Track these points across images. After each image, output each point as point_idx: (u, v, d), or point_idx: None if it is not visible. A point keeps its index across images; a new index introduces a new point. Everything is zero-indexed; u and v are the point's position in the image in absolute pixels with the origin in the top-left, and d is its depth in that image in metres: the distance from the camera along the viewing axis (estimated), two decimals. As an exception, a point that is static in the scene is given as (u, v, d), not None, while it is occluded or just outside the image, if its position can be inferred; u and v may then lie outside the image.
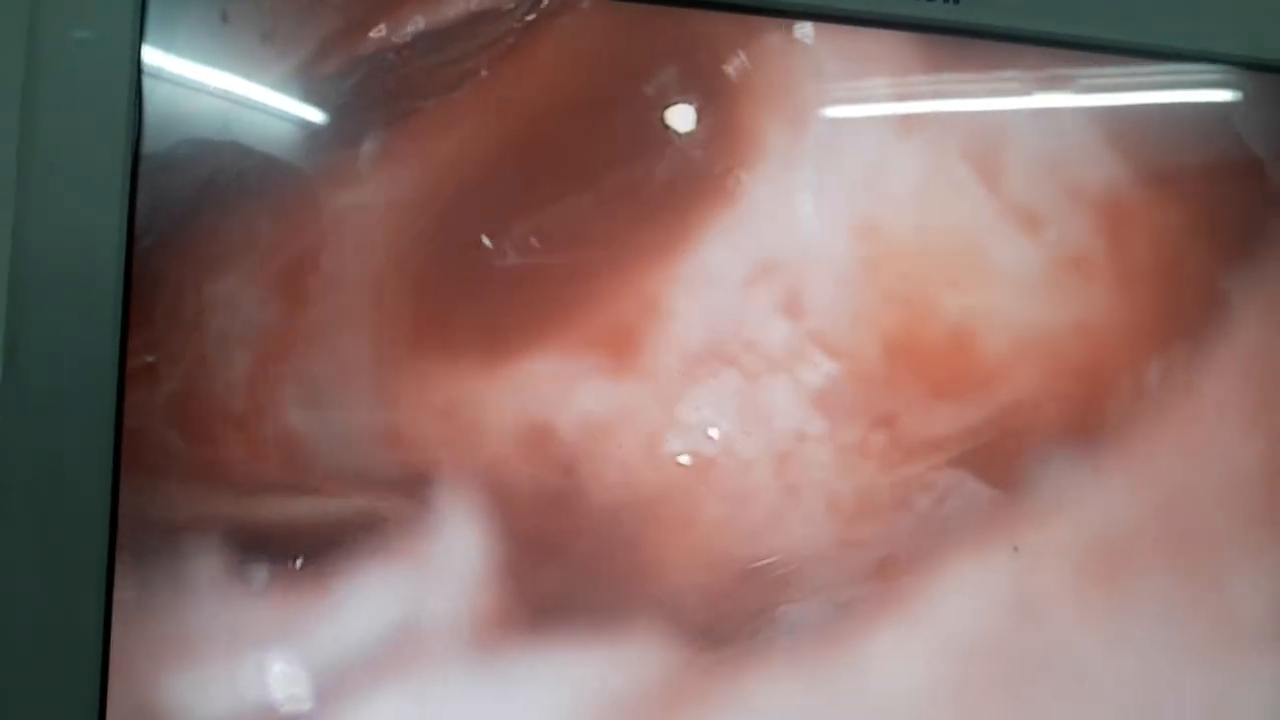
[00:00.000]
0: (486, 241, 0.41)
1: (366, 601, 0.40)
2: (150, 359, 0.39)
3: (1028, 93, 0.46)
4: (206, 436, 0.39)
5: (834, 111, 0.44)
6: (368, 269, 0.40)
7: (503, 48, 0.41)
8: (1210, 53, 0.47)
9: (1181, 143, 0.47)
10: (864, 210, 0.44)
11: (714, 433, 0.42)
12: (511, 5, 0.41)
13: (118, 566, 0.38)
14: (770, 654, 0.42)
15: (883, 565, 0.43)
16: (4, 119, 0.39)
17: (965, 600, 0.44)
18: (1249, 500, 0.47)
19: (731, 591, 0.42)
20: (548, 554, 0.41)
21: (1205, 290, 0.47)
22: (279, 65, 0.40)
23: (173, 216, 0.39)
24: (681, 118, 0.43)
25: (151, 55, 0.39)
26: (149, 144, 0.39)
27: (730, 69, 0.43)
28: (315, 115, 0.40)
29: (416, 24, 0.41)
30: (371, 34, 0.40)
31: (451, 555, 0.40)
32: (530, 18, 0.42)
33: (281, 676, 0.39)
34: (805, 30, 0.44)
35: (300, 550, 0.39)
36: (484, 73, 0.41)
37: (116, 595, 0.38)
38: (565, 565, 0.41)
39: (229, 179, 0.39)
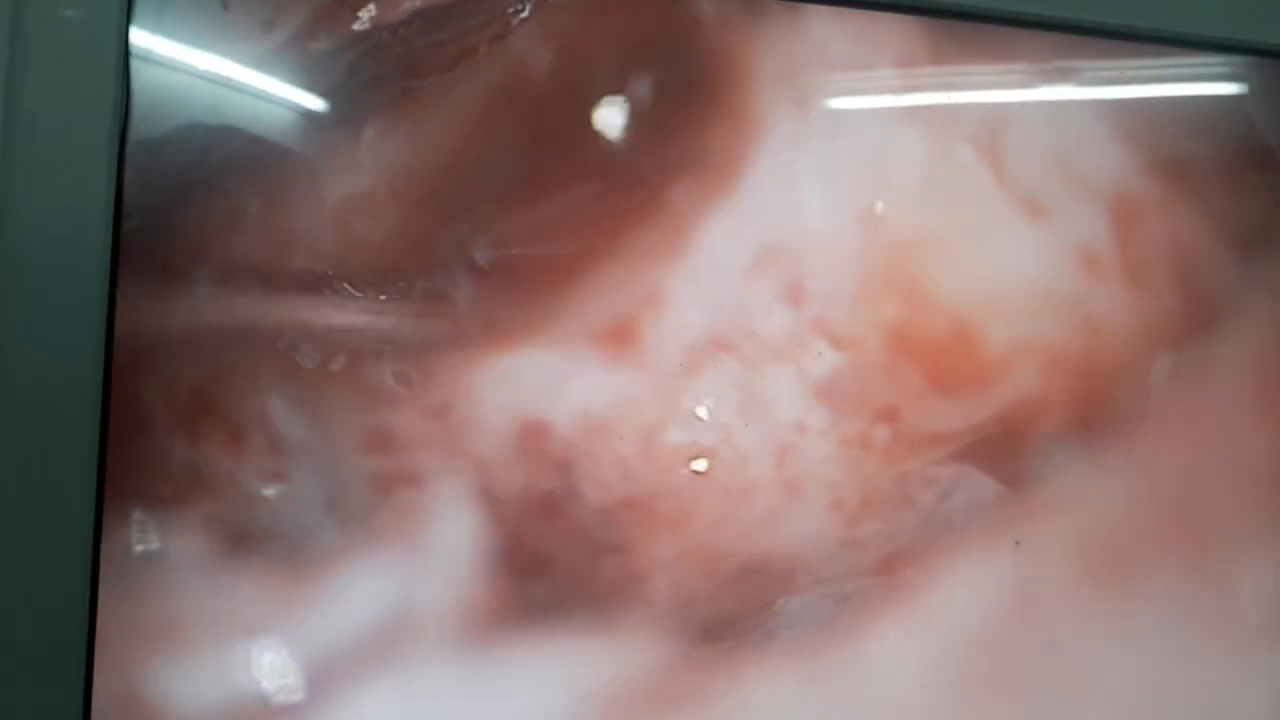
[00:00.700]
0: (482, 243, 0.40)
1: (359, 594, 0.39)
2: (137, 342, 0.38)
3: (1035, 84, 0.45)
4: (194, 425, 0.38)
5: (838, 99, 0.44)
6: (360, 253, 0.40)
7: (501, 27, 0.41)
8: (1219, 39, 0.47)
9: (1191, 133, 0.47)
10: (869, 197, 0.43)
11: (705, 413, 0.42)
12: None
13: (103, 554, 0.37)
14: (770, 649, 0.42)
15: (885, 561, 0.43)
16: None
17: (968, 595, 0.44)
18: (1253, 496, 0.47)
19: (731, 586, 0.42)
20: (542, 548, 0.40)
21: (1214, 283, 0.47)
22: (270, 45, 0.39)
23: (160, 198, 0.38)
24: (684, 102, 0.42)
25: (139, 35, 0.38)
26: (137, 124, 0.38)
27: (734, 54, 0.42)
28: (307, 95, 0.40)
29: (413, 1, 0.40)
30: (363, 12, 0.40)
31: (445, 546, 0.40)
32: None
33: (270, 667, 0.39)
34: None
35: (290, 541, 0.39)
36: (482, 52, 0.40)
37: (102, 583, 0.37)
38: (560, 559, 0.40)
39: (218, 160, 0.39)
